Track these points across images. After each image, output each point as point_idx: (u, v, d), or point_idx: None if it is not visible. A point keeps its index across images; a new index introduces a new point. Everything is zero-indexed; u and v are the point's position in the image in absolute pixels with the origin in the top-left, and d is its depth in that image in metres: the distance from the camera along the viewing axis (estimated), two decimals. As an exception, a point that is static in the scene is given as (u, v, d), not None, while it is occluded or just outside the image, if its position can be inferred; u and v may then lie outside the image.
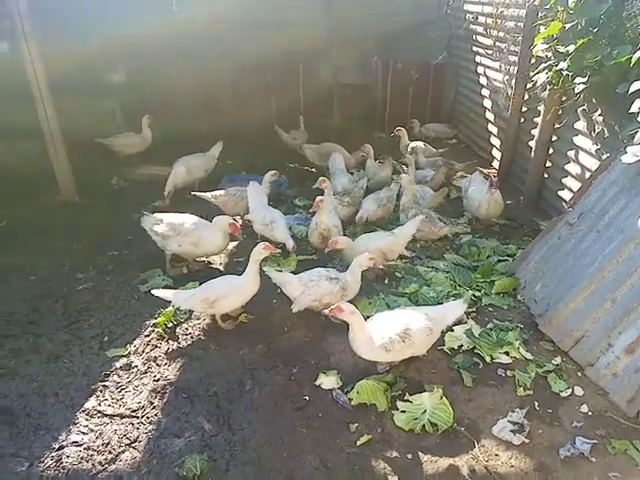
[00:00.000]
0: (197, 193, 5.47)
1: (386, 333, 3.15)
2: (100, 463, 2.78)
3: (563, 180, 5.23)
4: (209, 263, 4.75)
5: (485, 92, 7.24)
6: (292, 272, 4.12)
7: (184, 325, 3.90)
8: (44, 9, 5.72)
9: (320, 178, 5.07)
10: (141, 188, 6.40)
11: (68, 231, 5.30)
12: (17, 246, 5.02)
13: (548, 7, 4.67)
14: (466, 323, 3.78)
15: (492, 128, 7.11)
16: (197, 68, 7.53)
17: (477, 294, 4.16)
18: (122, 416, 3.10)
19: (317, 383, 3.32)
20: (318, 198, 4.74)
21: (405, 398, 3.15)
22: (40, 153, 5.81)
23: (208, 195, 5.42)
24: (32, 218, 5.52)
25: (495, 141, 7.05)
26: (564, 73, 4.41)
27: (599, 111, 4.48)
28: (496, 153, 7.00)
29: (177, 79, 7.40)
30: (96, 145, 6.77)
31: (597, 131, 4.56)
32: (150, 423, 3.04)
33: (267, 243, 3.76)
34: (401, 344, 3.13)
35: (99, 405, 3.18)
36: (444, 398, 3.10)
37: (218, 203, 5.41)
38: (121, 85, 7.45)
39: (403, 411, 3.08)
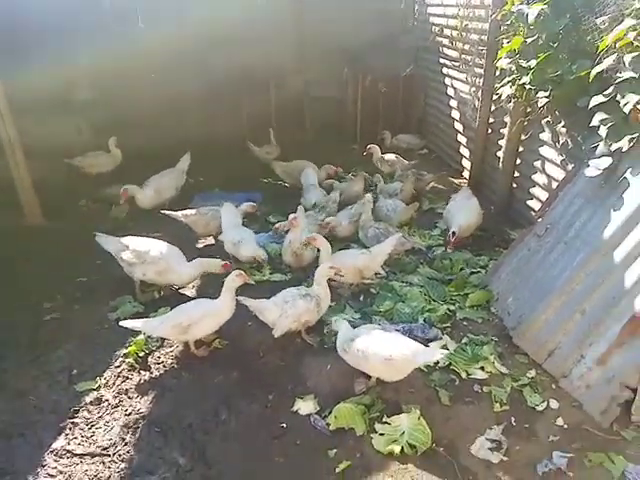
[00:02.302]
0: (167, 212, 5.37)
1: (352, 337, 3.29)
2: (69, 508, 2.68)
3: (531, 190, 5.33)
4: (180, 287, 4.66)
5: (453, 103, 7.35)
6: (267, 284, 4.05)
7: (156, 353, 3.80)
8: (6, 25, 5.59)
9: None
10: (111, 209, 6.24)
11: (34, 257, 5.13)
12: (-20, 275, 4.84)
13: (509, 22, 4.76)
14: (441, 339, 3.79)
15: (461, 138, 7.21)
16: (166, 84, 7.43)
17: (451, 308, 4.18)
18: (93, 455, 2.99)
19: (294, 409, 3.27)
20: (291, 216, 4.72)
21: (383, 420, 3.13)
22: (3, 175, 5.62)
23: (179, 214, 5.31)
24: (-3, 244, 5.33)
25: (464, 151, 7.15)
26: (527, 87, 4.50)
27: (562, 123, 4.57)
28: (466, 163, 7.10)
29: (146, 95, 7.27)
30: (64, 165, 6.60)
31: (561, 142, 4.67)
32: (122, 461, 2.95)
33: (242, 272, 3.72)
34: (356, 354, 3.23)
35: (68, 444, 3.06)
36: (422, 419, 3.08)
37: (189, 222, 5.32)
38: (88, 102, 7.29)
39: (382, 434, 3.06)
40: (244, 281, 3.70)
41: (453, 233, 4.96)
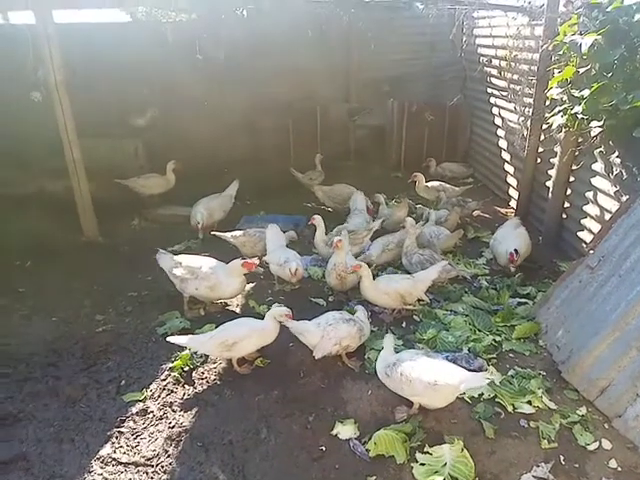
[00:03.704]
0: (217, 233, 5.55)
1: (395, 361, 3.29)
2: (114, 515, 2.75)
3: (582, 221, 5.18)
4: (226, 305, 4.77)
5: (500, 132, 7.30)
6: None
7: (200, 369, 3.89)
8: (74, 59, 6.06)
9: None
10: (162, 229, 6.52)
11: (90, 272, 5.39)
12: (40, 287, 5.12)
13: (561, 53, 4.74)
14: (486, 370, 3.69)
15: (509, 168, 7.13)
16: (218, 112, 7.77)
17: (497, 339, 4.08)
18: (137, 464, 3.08)
19: (334, 432, 3.26)
20: (336, 238, 4.76)
21: (425, 450, 3.07)
22: (65, 194, 5.99)
23: (228, 235, 5.49)
24: (56, 259, 5.63)
25: (512, 180, 7.05)
26: (579, 116, 4.43)
27: (616, 153, 4.46)
28: (513, 192, 6.99)
29: (199, 121, 7.62)
30: (120, 185, 6.94)
31: (615, 173, 4.54)
32: (165, 472, 3.01)
33: (288, 310, 3.79)
34: (399, 378, 3.22)
35: (114, 452, 3.16)
36: (465, 450, 3.00)
37: (237, 243, 5.48)
38: (145, 128, 7.71)
39: (422, 464, 3.00)
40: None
41: (516, 251, 4.89)
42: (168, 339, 3.77)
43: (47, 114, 5.65)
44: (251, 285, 5.06)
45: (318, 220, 5.39)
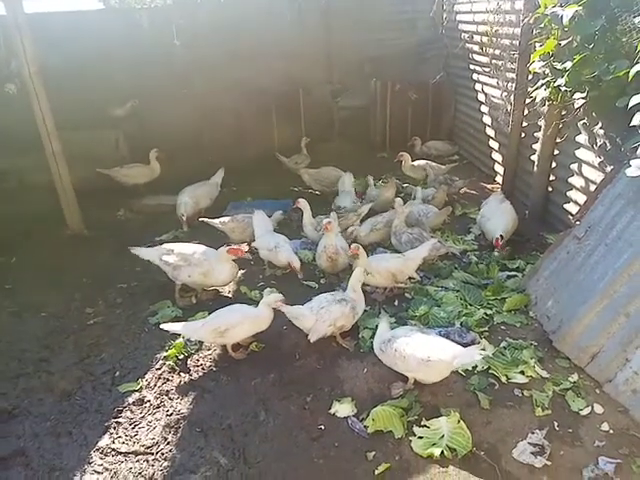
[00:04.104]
0: (205, 219, 5.50)
1: (390, 337, 3.33)
2: (116, 503, 2.76)
3: (568, 193, 5.23)
4: (218, 292, 4.75)
5: (484, 109, 7.30)
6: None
7: (195, 356, 3.88)
8: (48, 50, 5.90)
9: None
10: (148, 219, 6.45)
11: (77, 265, 5.33)
12: (27, 282, 5.05)
13: (542, 25, 4.73)
14: (479, 343, 3.74)
15: (493, 144, 7.14)
16: (199, 97, 7.66)
17: (488, 312, 4.12)
18: (136, 453, 3.08)
19: (332, 411, 3.29)
20: (325, 220, 4.75)
21: (422, 423, 3.11)
22: (47, 188, 5.88)
23: (216, 222, 5.44)
24: (42, 253, 5.57)
25: (497, 156, 7.08)
26: (562, 89, 4.44)
27: (600, 124, 4.49)
28: (498, 168, 7.02)
29: (180, 109, 7.51)
30: (104, 176, 6.82)
31: (599, 144, 4.57)
32: (165, 459, 3.02)
33: (281, 297, 3.79)
34: (394, 354, 3.26)
35: (113, 443, 3.16)
36: (461, 422, 3.05)
37: (225, 230, 5.44)
38: (125, 117, 7.57)
39: (420, 437, 3.04)
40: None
41: (501, 237, 4.92)
42: (162, 326, 3.76)
43: (24, 106, 5.51)
44: (242, 271, 5.04)
45: (303, 203, 5.36)
